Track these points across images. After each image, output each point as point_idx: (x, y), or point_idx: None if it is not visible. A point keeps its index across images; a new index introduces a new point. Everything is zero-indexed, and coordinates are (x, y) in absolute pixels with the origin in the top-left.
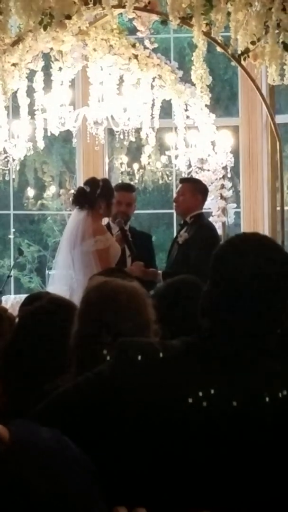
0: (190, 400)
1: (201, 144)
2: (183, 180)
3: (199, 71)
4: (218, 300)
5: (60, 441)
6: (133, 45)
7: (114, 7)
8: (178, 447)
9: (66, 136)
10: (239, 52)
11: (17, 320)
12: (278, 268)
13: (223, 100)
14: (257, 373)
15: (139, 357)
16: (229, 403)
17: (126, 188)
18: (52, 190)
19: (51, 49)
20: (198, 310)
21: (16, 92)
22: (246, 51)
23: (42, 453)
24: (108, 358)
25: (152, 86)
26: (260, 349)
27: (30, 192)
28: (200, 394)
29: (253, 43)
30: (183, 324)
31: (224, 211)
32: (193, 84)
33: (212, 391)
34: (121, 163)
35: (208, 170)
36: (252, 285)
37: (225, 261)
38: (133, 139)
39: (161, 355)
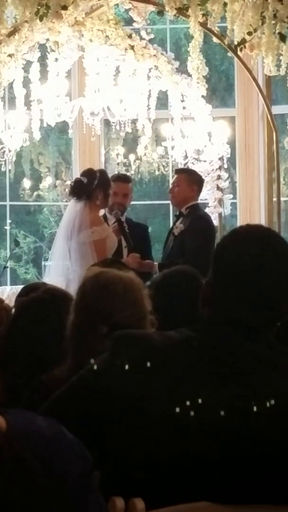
0: (178, 410)
1: (197, 135)
2: (178, 171)
3: (195, 62)
4: (219, 290)
5: (56, 430)
6: (129, 36)
7: None
8: (168, 452)
9: (62, 127)
10: (236, 42)
11: (13, 311)
12: (281, 260)
13: (219, 91)
14: (252, 374)
15: (126, 366)
16: (216, 413)
17: (123, 179)
18: (48, 181)
19: (47, 39)
20: (199, 300)
21: (12, 83)
22: (243, 41)
23: (39, 442)
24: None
25: (149, 77)
26: (260, 342)
27: (26, 183)
28: (188, 403)
29: (249, 33)
30: (179, 314)
31: (220, 202)
32: (190, 75)
33: (200, 401)
34: (117, 154)
35: (205, 161)
36: (254, 275)
37: (228, 251)
38: (129, 130)
39: (148, 364)
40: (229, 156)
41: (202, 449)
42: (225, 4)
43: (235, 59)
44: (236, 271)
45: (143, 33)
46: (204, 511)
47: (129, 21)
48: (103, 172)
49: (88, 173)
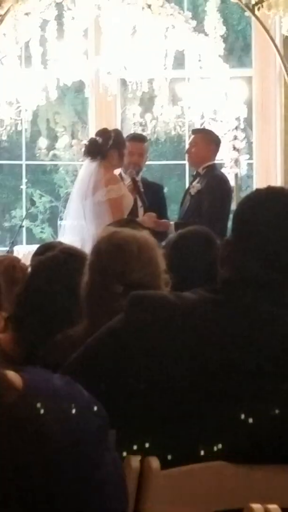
0: (192, 367)
1: (214, 95)
2: (195, 131)
3: (212, 21)
4: (239, 249)
5: (73, 388)
6: None
7: None
8: (185, 409)
9: (79, 86)
10: (253, 2)
11: (29, 269)
12: None
13: (236, 50)
14: (263, 335)
15: (142, 326)
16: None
17: (138, 138)
18: (64, 140)
19: None
20: (218, 260)
21: (28, 41)
22: (260, 1)
23: (55, 400)
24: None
25: (165, 36)
26: (278, 302)
27: (42, 142)
28: (199, 361)
29: None
30: (194, 274)
31: (236, 162)
32: (207, 34)
33: (212, 358)
34: (134, 114)
35: (221, 121)
36: (275, 234)
37: (249, 210)
38: (145, 90)
39: (163, 324)
40: (245, 116)
41: (216, 407)
42: None
43: (253, 18)
44: (257, 229)
45: None
46: (218, 470)
47: None
48: (117, 132)
49: (103, 133)
